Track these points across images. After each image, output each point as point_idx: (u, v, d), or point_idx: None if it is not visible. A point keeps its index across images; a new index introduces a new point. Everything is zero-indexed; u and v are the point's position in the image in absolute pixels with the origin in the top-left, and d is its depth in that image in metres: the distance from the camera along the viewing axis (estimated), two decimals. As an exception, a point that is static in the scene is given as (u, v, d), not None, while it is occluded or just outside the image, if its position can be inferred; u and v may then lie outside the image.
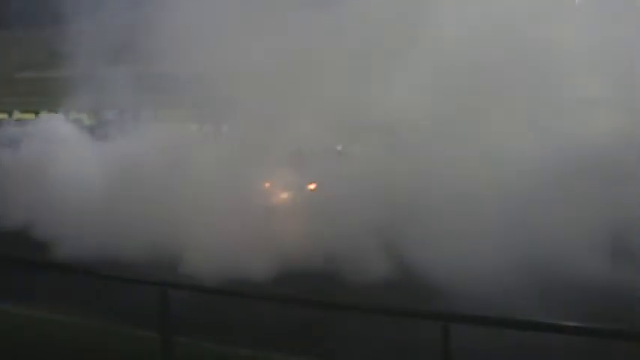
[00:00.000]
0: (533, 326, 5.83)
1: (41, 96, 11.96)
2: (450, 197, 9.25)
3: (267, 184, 10.56)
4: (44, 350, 7.45)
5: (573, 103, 9.71)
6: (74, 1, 11.58)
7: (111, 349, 7.38)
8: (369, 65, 10.11)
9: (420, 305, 6.71)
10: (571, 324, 5.46)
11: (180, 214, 9.87)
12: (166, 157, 10.53)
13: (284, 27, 10.12)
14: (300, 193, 10.43)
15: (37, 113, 20.01)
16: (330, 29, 10.05)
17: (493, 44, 9.77)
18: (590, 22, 10.04)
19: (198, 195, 9.87)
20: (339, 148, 10.84)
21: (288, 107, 10.13)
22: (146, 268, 8.85)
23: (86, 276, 8.35)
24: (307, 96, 10.12)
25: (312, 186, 10.53)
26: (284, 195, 10.57)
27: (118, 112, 12.25)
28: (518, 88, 9.74)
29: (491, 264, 8.43)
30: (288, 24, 10.12)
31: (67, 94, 12.17)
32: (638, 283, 8.11)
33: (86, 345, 7.53)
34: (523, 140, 9.58)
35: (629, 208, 9.08)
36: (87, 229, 10.04)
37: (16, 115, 23.43)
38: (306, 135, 10.25)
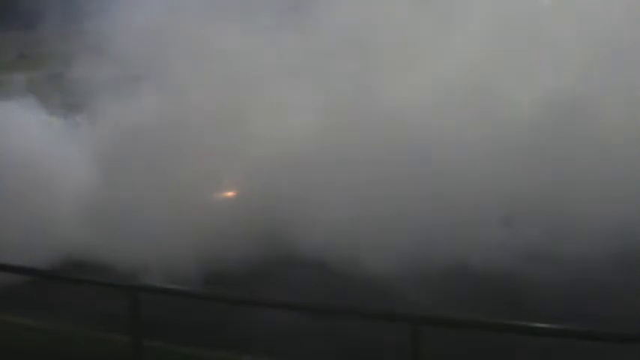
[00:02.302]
0: (503, 328, 5.89)
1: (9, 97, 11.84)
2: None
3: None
4: (11, 356, 7.38)
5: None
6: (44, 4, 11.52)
7: (82, 354, 7.33)
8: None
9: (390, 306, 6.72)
10: (543, 325, 5.51)
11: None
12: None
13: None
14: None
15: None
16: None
17: None
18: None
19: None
20: None
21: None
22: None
23: (55, 279, 8.33)
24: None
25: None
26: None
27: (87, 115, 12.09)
28: None
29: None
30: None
31: (35, 95, 12.03)
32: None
33: (56, 350, 7.46)
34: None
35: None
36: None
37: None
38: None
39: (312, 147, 9.64)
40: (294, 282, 8.19)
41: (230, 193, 10.31)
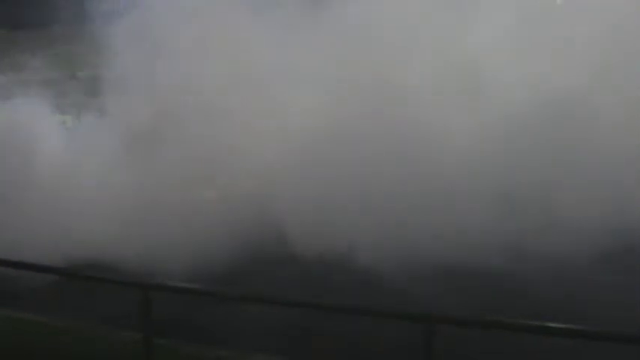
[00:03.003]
0: (518, 328, 5.81)
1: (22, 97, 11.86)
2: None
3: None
4: (23, 353, 7.37)
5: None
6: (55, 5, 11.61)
7: (93, 351, 7.31)
8: None
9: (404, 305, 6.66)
10: (559, 326, 5.43)
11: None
12: None
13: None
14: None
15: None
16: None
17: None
18: None
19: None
20: None
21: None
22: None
23: (67, 276, 8.32)
24: None
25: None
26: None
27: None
28: None
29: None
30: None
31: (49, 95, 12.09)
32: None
33: (67, 347, 7.45)
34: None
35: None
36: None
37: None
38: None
39: (310, 144, 9.63)
40: (299, 280, 8.27)
41: (232, 194, 10.28)
